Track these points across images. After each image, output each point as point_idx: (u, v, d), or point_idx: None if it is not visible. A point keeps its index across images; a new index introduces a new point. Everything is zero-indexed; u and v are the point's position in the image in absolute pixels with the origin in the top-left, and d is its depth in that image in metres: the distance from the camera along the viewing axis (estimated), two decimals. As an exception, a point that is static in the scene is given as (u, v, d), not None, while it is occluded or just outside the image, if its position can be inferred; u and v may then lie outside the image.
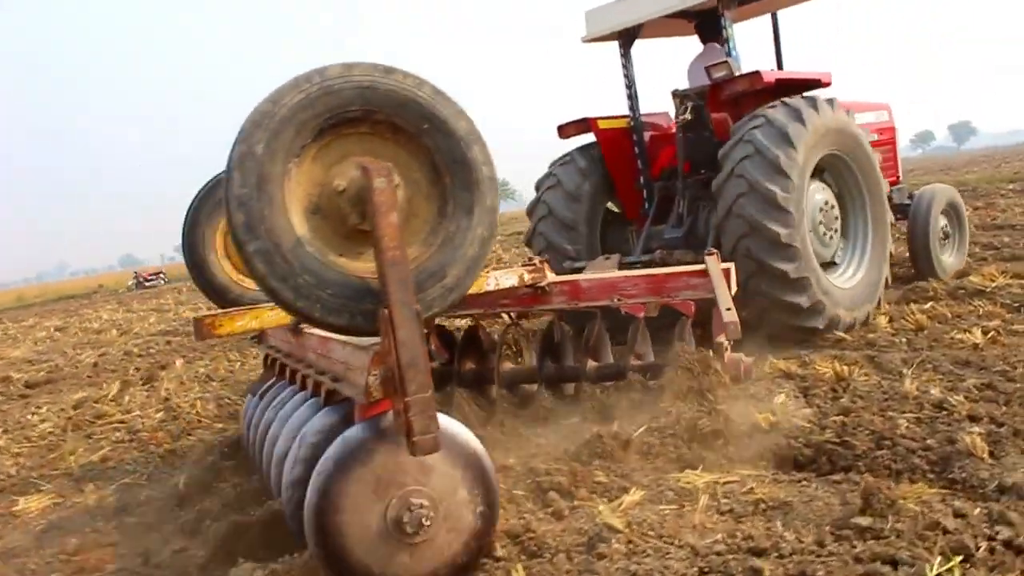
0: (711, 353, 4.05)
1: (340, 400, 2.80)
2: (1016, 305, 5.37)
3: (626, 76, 6.52)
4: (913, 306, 5.70)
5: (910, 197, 6.89)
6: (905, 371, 4.07)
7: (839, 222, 5.59)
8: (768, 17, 6.79)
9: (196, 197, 4.09)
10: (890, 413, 3.38)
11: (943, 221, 6.78)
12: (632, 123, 6.47)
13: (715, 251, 4.25)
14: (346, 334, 2.43)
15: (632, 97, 6.49)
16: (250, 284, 4.21)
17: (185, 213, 4.10)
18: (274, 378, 3.92)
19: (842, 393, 3.88)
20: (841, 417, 3.43)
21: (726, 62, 5.54)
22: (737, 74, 5.56)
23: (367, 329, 2.35)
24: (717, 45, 6.28)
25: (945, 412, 3.29)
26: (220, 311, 3.31)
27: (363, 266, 2.41)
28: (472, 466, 2.47)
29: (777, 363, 4.60)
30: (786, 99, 5.29)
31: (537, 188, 6.49)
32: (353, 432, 2.42)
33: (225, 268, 4.15)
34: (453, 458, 2.42)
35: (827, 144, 5.32)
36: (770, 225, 4.89)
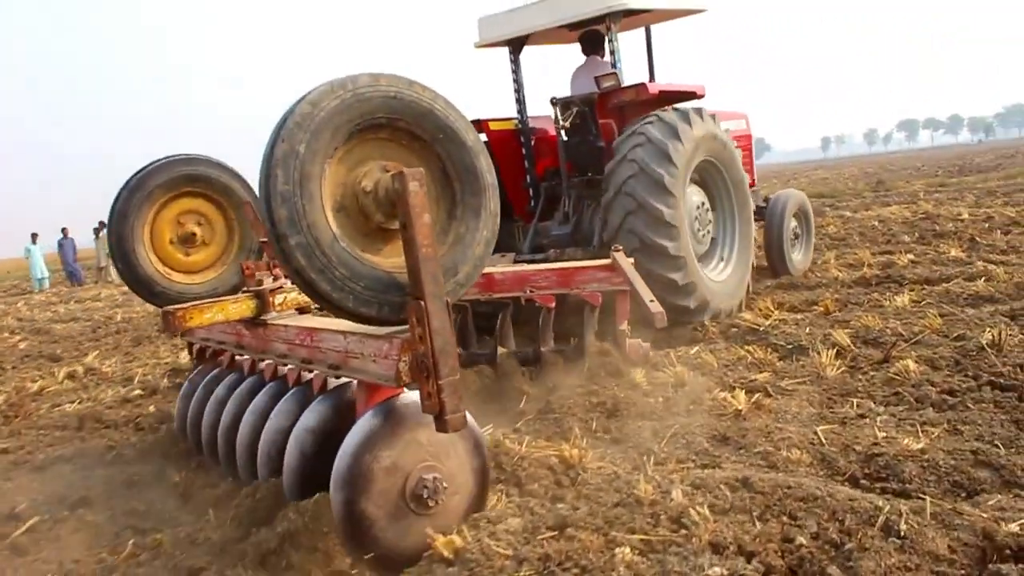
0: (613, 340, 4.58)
1: (334, 388, 2.96)
2: (789, 348, 4.90)
3: (515, 80, 6.90)
4: (677, 352, 5.00)
5: (765, 200, 7.81)
6: (653, 448, 3.42)
7: (711, 224, 6.31)
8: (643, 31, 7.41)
9: (125, 188, 3.96)
10: (614, 533, 2.48)
11: (794, 223, 7.75)
12: (520, 125, 6.86)
13: (620, 247, 4.74)
14: (371, 324, 2.60)
15: (520, 101, 6.87)
16: (177, 278, 4.16)
17: (112, 204, 3.96)
18: (216, 369, 3.93)
19: (568, 488, 3.07)
20: (552, 539, 2.50)
21: (614, 73, 6.07)
22: (624, 85, 6.11)
23: (391, 319, 2.55)
24: (598, 57, 6.82)
25: (684, 533, 2.42)
26: (189, 304, 3.29)
27: (384, 261, 2.60)
28: (471, 439, 2.74)
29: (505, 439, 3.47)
30: (675, 105, 5.91)
31: None
32: (372, 415, 2.60)
33: (152, 260, 4.06)
34: (459, 433, 2.68)
35: (705, 149, 5.99)
36: (656, 204, 5.46)
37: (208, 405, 3.65)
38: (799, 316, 5.84)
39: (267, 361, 3.40)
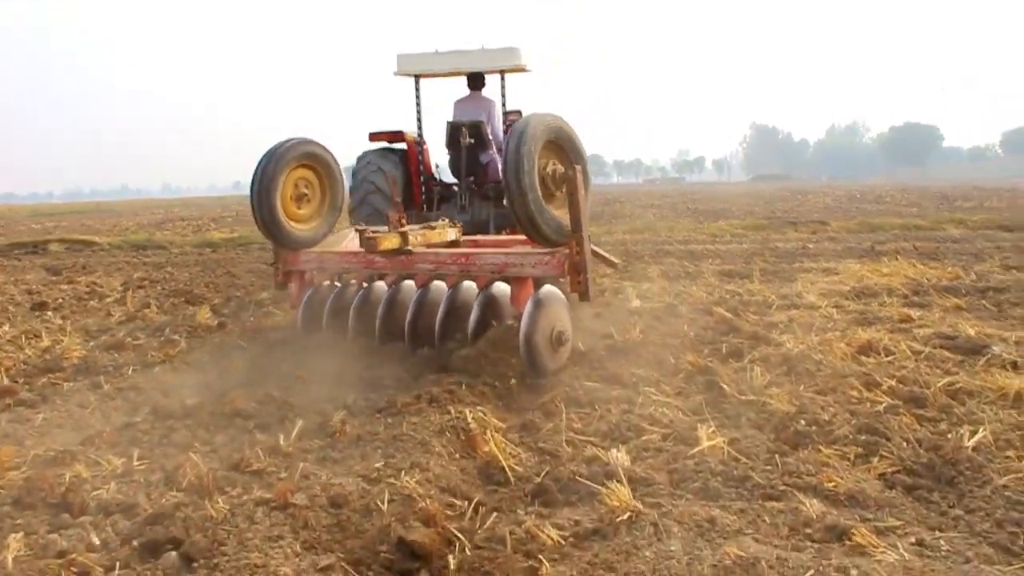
0: None
1: (486, 285, 5.14)
2: None
3: (417, 103, 9.06)
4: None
5: None
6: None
7: None
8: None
9: (272, 156, 5.48)
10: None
11: None
12: (418, 137, 9.03)
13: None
14: (549, 244, 4.86)
15: (419, 119, 9.04)
16: (296, 226, 5.80)
17: (263, 165, 5.46)
18: (338, 287, 5.74)
19: None
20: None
21: (519, 111, 8.60)
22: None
23: (559, 243, 4.85)
24: (479, 92, 9.25)
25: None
26: (381, 233, 5.12)
27: (553, 212, 4.89)
28: (570, 311, 5.13)
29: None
30: None
31: (355, 173, 8.53)
32: (540, 294, 4.89)
33: (281, 210, 5.64)
34: (566, 307, 5.06)
35: None
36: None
37: (355, 305, 5.47)
38: None
39: (418, 274, 5.39)
